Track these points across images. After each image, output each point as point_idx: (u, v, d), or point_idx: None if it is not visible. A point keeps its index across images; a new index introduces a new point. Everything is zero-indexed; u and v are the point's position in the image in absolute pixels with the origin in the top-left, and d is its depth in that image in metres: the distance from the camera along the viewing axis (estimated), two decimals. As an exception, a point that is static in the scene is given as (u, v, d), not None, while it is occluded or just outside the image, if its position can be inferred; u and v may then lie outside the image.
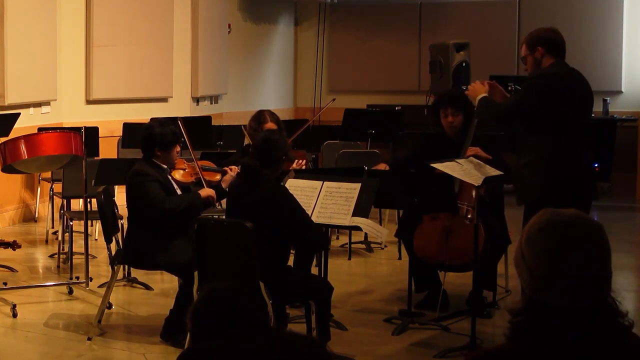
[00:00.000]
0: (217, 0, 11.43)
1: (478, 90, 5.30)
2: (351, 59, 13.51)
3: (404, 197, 5.43)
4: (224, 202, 6.81)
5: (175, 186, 5.59)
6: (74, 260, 7.13)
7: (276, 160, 4.99)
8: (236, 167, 5.74)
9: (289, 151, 5.16)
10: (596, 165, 11.06)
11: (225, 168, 5.81)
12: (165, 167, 5.54)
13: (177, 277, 5.74)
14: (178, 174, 5.72)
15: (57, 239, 7.84)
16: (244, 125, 7.05)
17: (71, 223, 7.27)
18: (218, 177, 5.83)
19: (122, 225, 6.62)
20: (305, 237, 4.95)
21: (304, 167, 6.57)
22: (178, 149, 5.59)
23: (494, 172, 5.29)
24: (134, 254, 5.47)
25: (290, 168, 6.23)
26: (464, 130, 5.88)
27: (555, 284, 1.94)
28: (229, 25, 11.86)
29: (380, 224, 8.06)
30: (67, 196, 7.65)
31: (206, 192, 5.57)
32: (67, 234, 7.31)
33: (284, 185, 5.33)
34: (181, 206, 5.38)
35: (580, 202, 4.84)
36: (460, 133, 5.89)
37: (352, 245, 7.89)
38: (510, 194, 5.40)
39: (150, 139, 5.48)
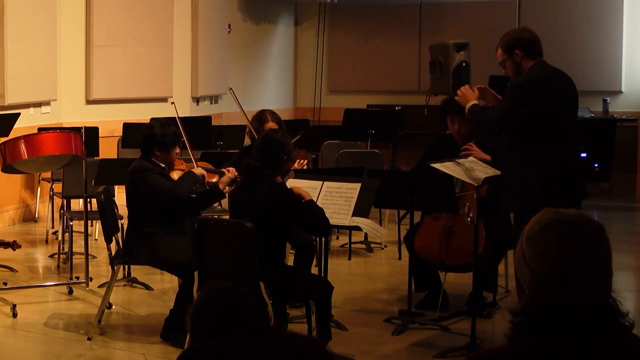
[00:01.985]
0: (217, 0, 11.43)
1: (468, 97, 5.21)
2: (351, 59, 13.51)
3: (404, 197, 5.43)
4: (224, 202, 6.83)
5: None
6: (74, 260, 7.13)
7: (277, 160, 4.96)
8: (233, 169, 5.74)
9: (291, 151, 5.11)
10: (596, 165, 11.08)
11: (223, 170, 5.81)
12: (164, 166, 5.54)
13: (177, 277, 5.74)
14: (176, 175, 5.73)
15: (57, 239, 7.84)
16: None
17: (71, 223, 7.27)
18: (215, 178, 5.83)
19: (122, 225, 6.62)
20: (316, 220, 4.90)
21: (305, 167, 6.57)
22: (178, 150, 5.60)
23: (493, 172, 5.28)
24: (133, 251, 5.47)
25: (292, 168, 6.23)
26: (472, 136, 5.88)
27: (555, 284, 1.94)
28: (229, 25, 11.86)
29: (380, 224, 8.06)
30: (67, 196, 7.65)
31: (198, 170, 5.60)
32: (67, 234, 7.31)
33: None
34: (187, 189, 5.43)
35: (571, 202, 4.77)
36: (468, 139, 5.89)
37: (352, 245, 7.88)
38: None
39: (150, 139, 5.49)
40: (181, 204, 5.39)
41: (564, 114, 4.97)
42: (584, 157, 10.10)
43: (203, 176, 5.62)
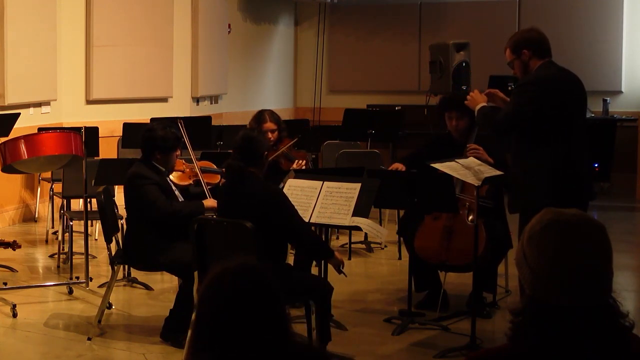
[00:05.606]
0: (217, 0, 11.43)
1: (477, 100, 5.24)
2: (351, 59, 13.52)
3: (404, 197, 5.43)
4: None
5: (174, 188, 5.58)
6: (74, 260, 7.13)
7: (259, 157, 4.97)
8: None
9: (270, 146, 5.13)
10: (596, 165, 11.08)
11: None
12: (164, 169, 5.51)
13: (177, 277, 5.74)
14: (176, 176, 5.71)
15: (57, 239, 7.84)
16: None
17: (71, 223, 7.27)
18: (217, 178, 5.81)
19: (122, 225, 6.62)
20: (299, 238, 4.93)
21: (304, 167, 6.56)
22: (178, 152, 5.58)
23: (493, 172, 5.28)
24: (134, 255, 5.47)
25: (291, 168, 6.22)
26: (470, 133, 5.88)
27: (556, 284, 1.94)
28: (229, 25, 11.86)
29: (380, 224, 8.06)
30: (67, 196, 7.65)
31: (210, 202, 5.54)
32: (67, 234, 7.31)
33: (279, 185, 5.33)
34: (183, 211, 5.37)
35: (579, 202, 4.78)
36: (466, 135, 5.89)
37: (352, 245, 7.89)
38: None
39: (151, 141, 5.46)
40: (168, 220, 5.36)
41: (572, 114, 4.97)
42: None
43: (215, 209, 5.58)
